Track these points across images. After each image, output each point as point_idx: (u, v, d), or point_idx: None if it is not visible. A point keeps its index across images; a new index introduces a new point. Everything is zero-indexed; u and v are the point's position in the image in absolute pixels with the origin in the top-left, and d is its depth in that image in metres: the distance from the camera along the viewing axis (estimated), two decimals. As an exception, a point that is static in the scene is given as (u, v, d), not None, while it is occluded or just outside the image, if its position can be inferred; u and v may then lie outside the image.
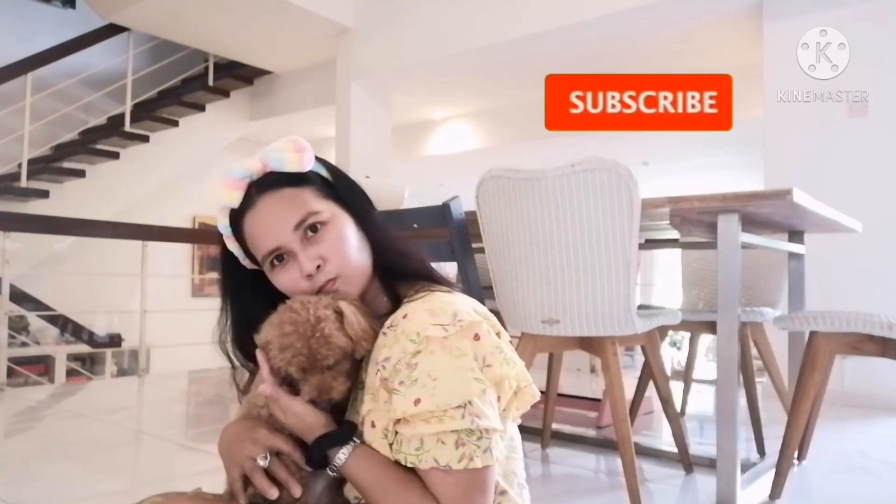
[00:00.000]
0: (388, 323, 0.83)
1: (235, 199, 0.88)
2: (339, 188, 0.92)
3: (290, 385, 0.84)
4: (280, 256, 0.87)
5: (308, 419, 0.82)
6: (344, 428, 0.82)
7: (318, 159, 0.93)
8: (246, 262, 0.94)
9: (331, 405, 0.84)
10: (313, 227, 0.86)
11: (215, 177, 0.90)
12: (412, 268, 0.92)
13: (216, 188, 0.89)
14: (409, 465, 0.77)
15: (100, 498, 1.97)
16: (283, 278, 0.88)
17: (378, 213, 0.96)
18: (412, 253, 0.93)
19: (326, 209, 0.88)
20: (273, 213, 0.87)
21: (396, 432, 0.78)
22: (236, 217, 0.89)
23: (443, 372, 0.76)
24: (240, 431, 0.86)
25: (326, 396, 0.82)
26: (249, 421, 0.88)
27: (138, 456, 2.59)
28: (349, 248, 0.87)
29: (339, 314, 0.83)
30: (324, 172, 0.92)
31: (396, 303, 0.87)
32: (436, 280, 0.91)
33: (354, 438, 0.81)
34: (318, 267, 0.85)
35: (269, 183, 0.88)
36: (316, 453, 0.81)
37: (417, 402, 0.75)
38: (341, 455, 0.80)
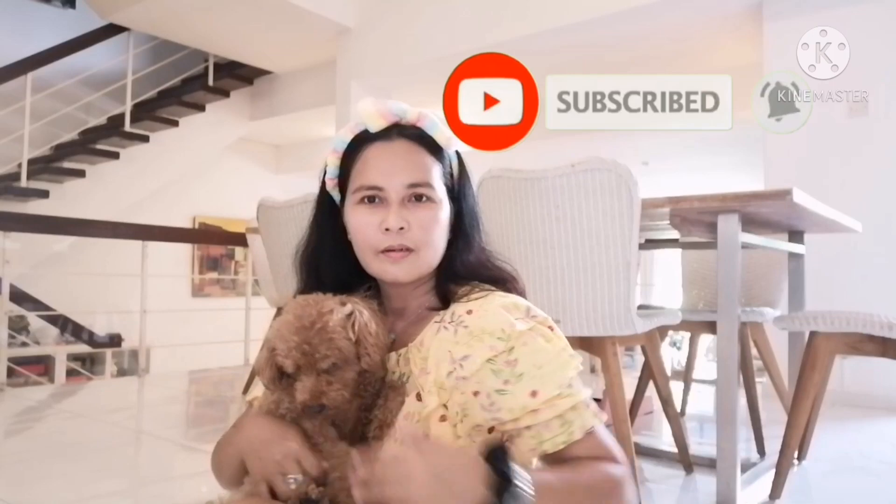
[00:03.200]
0: (445, 317, 0.84)
1: (377, 124, 0.89)
2: (460, 183, 0.93)
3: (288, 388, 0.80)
4: (373, 198, 0.87)
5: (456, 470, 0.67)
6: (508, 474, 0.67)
7: (457, 153, 0.95)
8: (331, 183, 0.93)
9: (321, 415, 0.78)
10: (419, 197, 0.87)
11: (368, 99, 0.90)
12: (484, 276, 0.91)
13: (366, 106, 0.89)
14: (561, 445, 0.77)
15: (100, 498, 1.96)
16: (361, 218, 0.87)
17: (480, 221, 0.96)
18: (495, 267, 0.93)
19: (440, 191, 0.89)
20: (399, 158, 0.87)
21: (504, 433, 0.78)
22: (359, 141, 0.89)
23: (545, 359, 0.79)
24: (271, 436, 0.81)
25: (316, 402, 0.76)
26: (280, 423, 0.82)
27: (138, 456, 2.59)
28: (437, 233, 0.87)
29: (350, 317, 0.79)
30: (454, 164, 0.93)
31: (444, 300, 0.89)
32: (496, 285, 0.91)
33: (526, 488, 0.68)
34: (402, 229, 0.85)
35: (413, 134, 0.90)
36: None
37: (535, 394, 0.77)
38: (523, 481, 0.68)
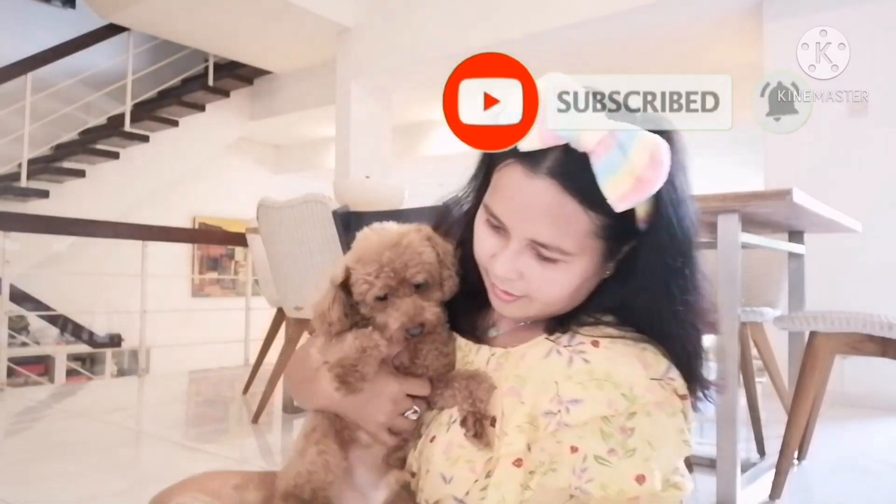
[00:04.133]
0: (562, 339, 0.71)
1: (529, 143, 0.65)
2: (646, 227, 0.68)
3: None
4: (498, 227, 0.71)
5: None
6: None
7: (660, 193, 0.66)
8: (470, 185, 0.78)
9: (422, 334, 0.72)
10: (543, 257, 0.68)
11: (556, 76, 0.67)
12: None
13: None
14: None
15: (100, 498, 1.96)
16: (481, 233, 0.72)
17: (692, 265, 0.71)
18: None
19: (580, 250, 0.67)
20: (533, 203, 0.66)
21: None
22: (504, 155, 0.68)
23: (662, 438, 0.66)
24: (369, 394, 0.73)
25: (418, 321, 0.71)
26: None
27: (138, 456, 2.59)
28: (560, 291, 0.70)
29: (430, 238, 0.75)
30: (642, 205, 0.67)
31: (566, 318, 0.73)
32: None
33: None
34: (509, 279, 0.70)
35: (567, 174, 0.64)
36: None
37: (641, 479, 0.63)
38: None
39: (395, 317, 0.71)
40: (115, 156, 6.28)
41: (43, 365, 5.99)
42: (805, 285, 2.44)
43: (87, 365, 6.39)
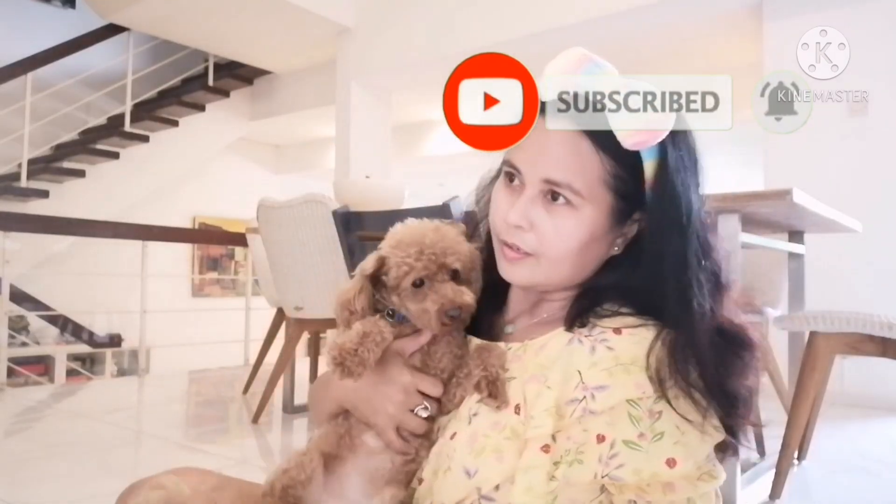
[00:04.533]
0: (582, 332, 0.70)
1: (546, 92, 0.70)
2: (657, 188, 0.70)
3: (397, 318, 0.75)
4: (513, 176, 0.73)
5: None
6: None
7: (670, 149, 0.70)
8: None
9: (460, 317, 0.71)
10: (556, 196, 0.70)
11: (574, 51, 0.72)
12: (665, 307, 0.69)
13: (554, 64, 0.71)
14: None
15: (100, 498, 1.96)
16: (497, 194, 0.75)
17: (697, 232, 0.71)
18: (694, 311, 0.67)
19: (590, 195, 0.70)
20: (548, 143, 0.70)
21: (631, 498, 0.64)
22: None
23: (690, 423, 0.64)
24: (377, 378, 0.74)
25: (459, 303, 0.70)
26: (378, 364, 0.74)
27: (138, 456, 2.59)
28: (566, 246, 0.71)
29: (464, 233, 0.76)
30: (650, 163, 0.70)
31: (582, 310, 0.72)
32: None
33: None
34: (520, 227, 0.72)
35: (585, 115, 0.68)
36: None
37: (672, 463, 0.62)
38: None
39: (433, 298, 0.71)
40: (115, 156, 6.28)
41: (43, 365, 5.99)
42: (805, 285, 2.44)
43: (87, 365, 6.39)
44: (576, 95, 0.69)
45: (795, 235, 2.42)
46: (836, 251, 3.32)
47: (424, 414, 0.74)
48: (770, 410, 2.73)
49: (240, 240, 4.85)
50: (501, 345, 0.75)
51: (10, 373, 4.43)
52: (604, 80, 0.69)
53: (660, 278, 0.69)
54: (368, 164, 5.49)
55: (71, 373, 5.99)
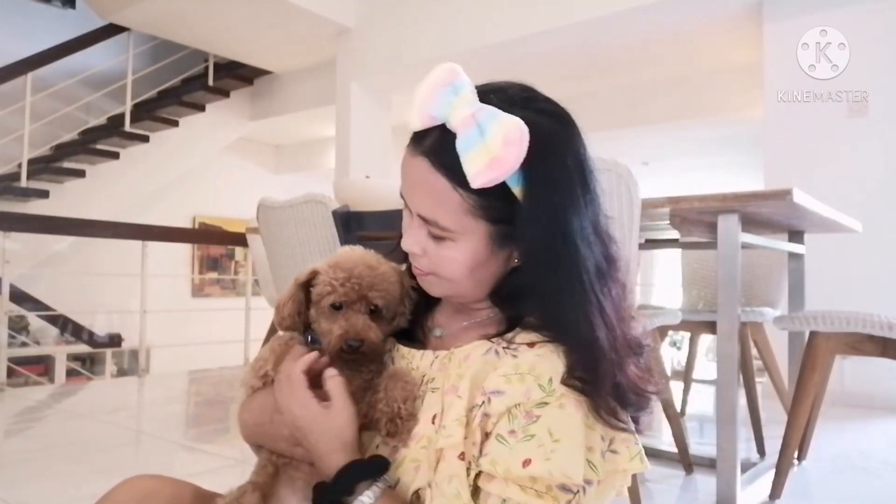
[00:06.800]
0: (501, 343, 0.71)
1: (413, 124, 0.71)
2: (531, 205, 0.68)
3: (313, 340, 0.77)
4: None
5: (338, 420, 0.69)
6: (375, 462, 0.68)
7: (539, 164, 0.67)
8: None
9: (359, 351, 0.73)
10: (433, 234, 0.71)
11: (441, 69, 0.71)
12: (553, 316, 0.70)
13: (417, 94, 0.70)
14: None
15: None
16: (405, 214, 0.76)
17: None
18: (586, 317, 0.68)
19: (461, 228, 0.69)
20: (415, 180, 0.71)
21: (476, 486, 0.65)
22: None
23: (568, 435, 0.64)
24: (270, 408, 0.75)
25: (362, 336, 0.72)
26: (271, 396, 0.76)
27: (138, 456, 2.59)
28: (456, 270, 0.72)
29: (396, 270, 0.79)
30: (517, 189, 0.68)
31: (511, 321, 0.74)
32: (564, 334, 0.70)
33: (386, 477, 0.68)
34: (414, 252, 0.74)
35: (437, 152, 0.68)
36: (341, 485, 0.66)
37: (527, 463, 0.62)
38: (367, 497, 0.65)
39: (340, 324, 0.73)
40: (115, 156, 6.28)
41: (43, 365, 5.98)
42: (805, 285, 2.44)
43: (87, 365, 6.39)
44: (429, 128, 0.69)
45: (795, 235, 2.42)
46: (836, 251, 3.32)
47: None
48: (770, 410, 2.74)
49: (240, 240, 4.85)
50: (409, 373, 0.75)
51: (10, 373, 4.43)
52: (457, 108, 0.67)
53: (556, 287, 0.69)
54: (368, 164, 5.49)
55: (71, 373, 5.99)
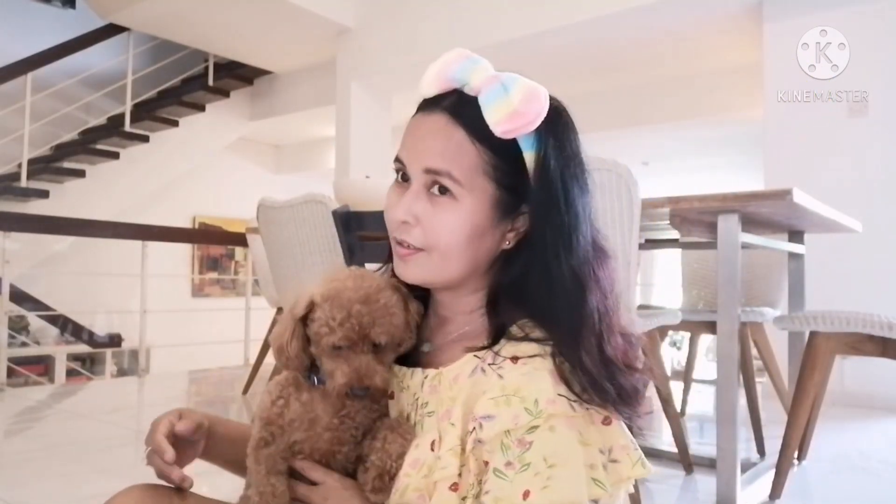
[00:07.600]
0: (487, 356, 0.70)
1: (429, 90, 0.74)
2: (541, 180, 0.70)
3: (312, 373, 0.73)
4: (404, 174, 0.74)
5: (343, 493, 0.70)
6: None
7: (552, 132, 0.71)
8: None
9: (365, 397, 0.71)
10: (443, 189, 0.71)
11: (453, 52, 0.76)
12: (550, 310, 0.70)
13: (432, 66, 0.76)
14: None
15: (100, 498, 1.95)
16: (391, 192, 0.76)
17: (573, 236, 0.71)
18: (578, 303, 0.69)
19: (470, 184, 0.70)
20: (427, 135, 0.72)
21: None
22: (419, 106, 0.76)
23: (563, 458, 0.62)
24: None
25: (367, 383, 0.69)
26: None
27: (138, 456, 2.58)
28: (451, 239, 0.71)
29: (400, 293, 0.74)
30: (529, 154, 0.70)
31: (497, 330, 0.72)
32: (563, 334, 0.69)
33: None
34: (406, 223, 0.72)
35: (457, 109, 0.71)
36: None
37: (526, 494, 0.61)
38: None
39: (344, 371, 0.69)
40: (115, 156, 6.28)
41: (43, 365, 5.99)
42: (805, 285, 2.44)
43: (87, 365, 6.39)
44: (450, 89, 0.73)
45: (795, 235, 2.42)
46: (836, 251, 3.32)
47: None
48: (770, 410, 2.74)
49: (240, 240, 4.85)
50: (410, 428, 0.73)
51: (10, 373, 4.43)
52: (477, 72, 0.71)
53: (548, 276, 0.70)
54: (368, 164, 5.49)
55: (71, 373, 5.99)
